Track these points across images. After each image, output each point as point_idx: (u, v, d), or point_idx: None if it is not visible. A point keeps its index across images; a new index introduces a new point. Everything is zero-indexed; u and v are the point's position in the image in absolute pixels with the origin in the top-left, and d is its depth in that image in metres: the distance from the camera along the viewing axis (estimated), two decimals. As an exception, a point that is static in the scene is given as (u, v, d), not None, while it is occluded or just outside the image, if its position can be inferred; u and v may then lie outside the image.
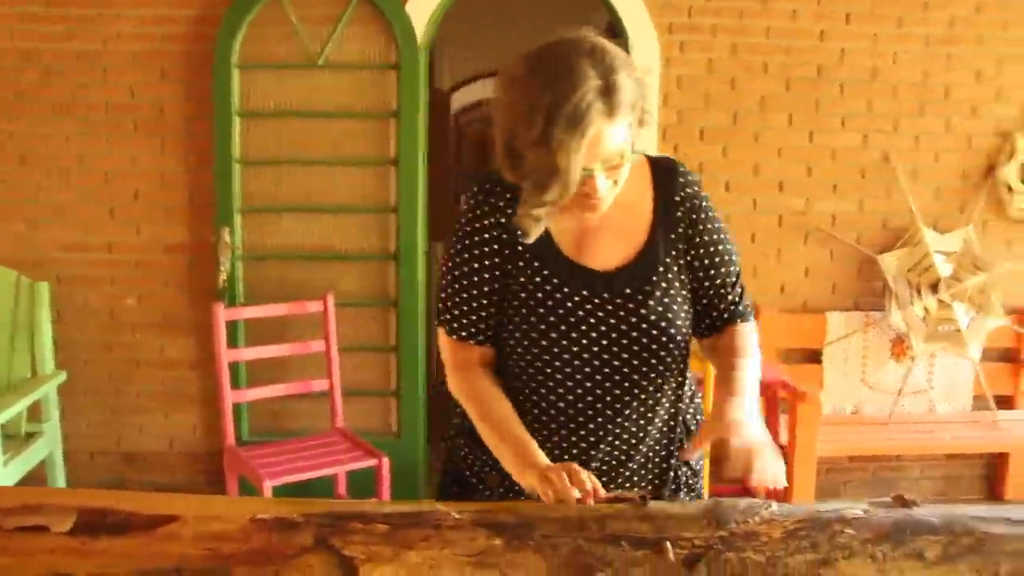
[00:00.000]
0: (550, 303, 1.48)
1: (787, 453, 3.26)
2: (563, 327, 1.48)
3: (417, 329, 3.70)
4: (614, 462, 1.56)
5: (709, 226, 1.54)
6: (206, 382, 3.68)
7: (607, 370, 1.50)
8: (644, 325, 1.48)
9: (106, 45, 3.58)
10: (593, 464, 1.54)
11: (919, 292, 3.61)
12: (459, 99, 8.33)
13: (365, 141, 3.64)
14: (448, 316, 1.55)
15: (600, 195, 1.38)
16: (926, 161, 3.73)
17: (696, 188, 1.55)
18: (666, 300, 1.50)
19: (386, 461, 3.21)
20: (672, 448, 1.60)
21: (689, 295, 1.54)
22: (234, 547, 1.16)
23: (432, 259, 4.36)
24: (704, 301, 1.57)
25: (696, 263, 1.54)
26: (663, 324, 1.49)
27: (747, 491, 1.80)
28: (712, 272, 1.55)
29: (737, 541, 1.19)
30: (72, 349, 3.67)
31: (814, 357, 3.75)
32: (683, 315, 1.52)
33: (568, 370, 1.50)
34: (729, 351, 1.55)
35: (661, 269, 1.50)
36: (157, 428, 3.79)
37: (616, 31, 3.64)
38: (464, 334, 1.54)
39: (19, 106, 3.60)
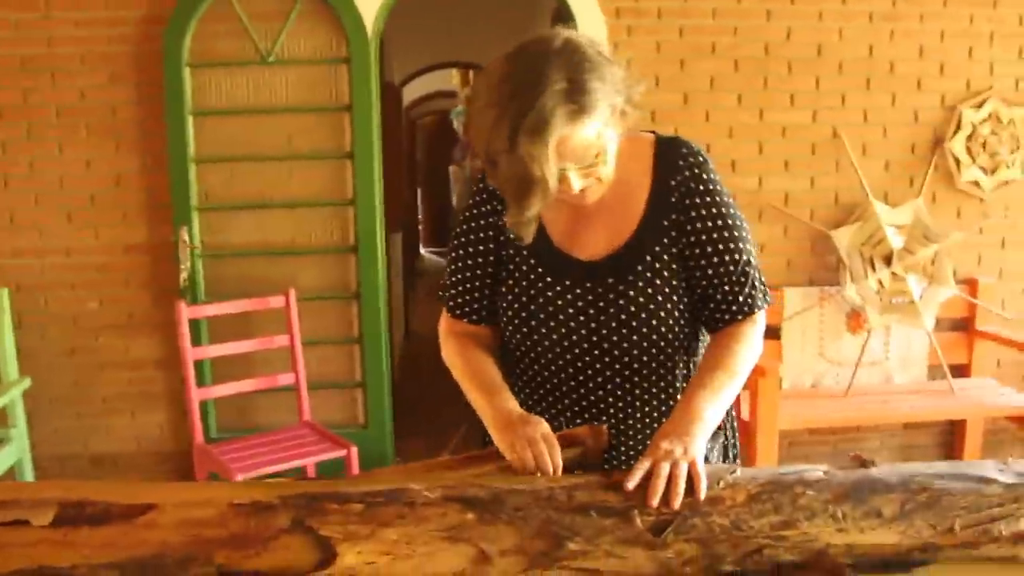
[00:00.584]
0: (532, 292, 1.51)
1: (749, 427, 3.36)
2: (543, 316, 1.52)
3: (380, 320, 3.74)
4: (621, 447, 1.58)
5: (704, 212, 1.48)
6: (172, 381, 3.70)
7: (589, 359, 1.52)
8: (623, 316, 1.48)
9: (51, 48, 3.56)
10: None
11: (872, 265, 3.71)
12: (410, 92, 8.33)
13: (319, 135, 3.68)
14: (447, 295, 1.62)
15: (577, 193, 1.39)
16: (875, 136, 3.83)
17: (696, 171, 1.49)
18: (650, 291, 1.48)
19: (354, 451, 3.25)
20: None
21: (683, 283, 1.50)
22: (214, 532, 1.20)
23: (391, 250, 4.39)
24: (699, 291, 1.50)
25: (688, 252, 1.49)
26: (644, 316, 1.48)
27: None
28: (704, 262, 1.49)
29: (703, 506, 1.25)
30: (35, 355, 3.68)
31: (772, 332, 3.83)
32: (674, 305, 1.49)
33: (560, 362, 1.54)
34: (705, 360, 1.49)
35: (648, 258, 1.48)
36: (125, 429, 3.81)
37: (564, 16, 3.69)
38: (459, 312, 1.61)
39: (-33, 112, 3.57)
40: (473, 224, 1.57)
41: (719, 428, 1.64)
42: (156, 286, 3.70)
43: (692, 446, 1.31)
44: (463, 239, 1.58)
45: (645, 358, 1.51)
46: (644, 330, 1.49)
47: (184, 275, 3.59)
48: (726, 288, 1.49)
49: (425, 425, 4.45)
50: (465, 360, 1.57)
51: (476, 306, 1.59)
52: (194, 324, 3.50)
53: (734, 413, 1.74)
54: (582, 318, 1.50)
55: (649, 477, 1.26)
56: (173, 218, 3.61)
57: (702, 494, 1.25)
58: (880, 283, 3.72)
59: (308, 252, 3.74)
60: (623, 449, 1.57)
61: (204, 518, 1.22)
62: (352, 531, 1.20)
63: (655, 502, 1.23)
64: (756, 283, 1.52)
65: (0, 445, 3.37)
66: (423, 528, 1.20)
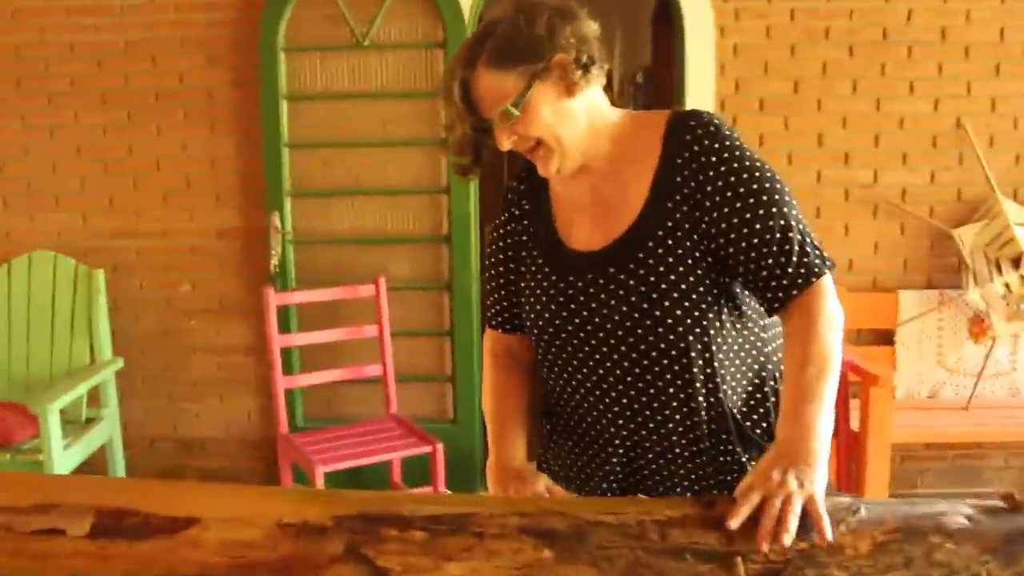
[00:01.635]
0: (539, 291, 1.43)
1: (859, 439, 3.09)
2: (549, 314, 1.41)
3: (471, 312, 3.59)
4: (644, 458, 1.42)
5: (720, 184, 1.31)
6: (261, 368, 3.63)
7: (599, 356, 1.38)
8: (625, 308, 1.34)
9: (153, 32, 3.53)
10: (616, 458, 1.43)
11: (999, 268, 3.38)
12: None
13: (414, 121, 3.53)
14: (490, 311, 1.59)
15: (505, 148, 1.36)
16: (1004, 126, 3.48)
17: (707, 142, 1.32)
18: (653, 279, 1.32)
19: (440, 447, 3.11)
20: (731, 443, 1.39)
21: (707, 268, 1.32)
22: (260, 555, 1.06)
23: (484, 241, 4.24)
24: (742, 271, 1.32)
25: (713, 230, 1.31)
26: (646, 306, 1.32)
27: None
28: (734, 237, 1.30)
29: (819, 555, 1.05)
30: (128, 336, 3.66)
31: (886, 338, 3.55)
32: (684, 295, 1.32)
33: (575, 361, 1.41)
34: (790, 357, 1.29)
35: (652, 244, 1.33)
36: (213, 414, 3.75)
37: (667, 1, 3.48)
38: (494, 323, 1.58)
39: (71, 98, 3.59)
40: (501, 231, 1.54)
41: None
42: (247, 271, 3.63)
43: (811, 476, 1.11)
44: (493, 247, 1.55)
45: (654, 353, 1.34)
46: (648, 322, 1.33)
47: (274, 261, 3.50)
48: (770, 261, 1.30)
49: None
50: (490, 388, 1.55)
51: (507, 314, 1.56)
52: (282, 311, 3.43)
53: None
54: (585, 313, 1.38)
55: (758, 513, 1.06)
56: (265, 203, 3.54)
57: (825, 537, 1.04)
58: (1007, 287, 3.38)
59: (400, 241, 3.61)
60: (644, 452, 1.41)
61: (250, 539, 1.07)
62: (412, 563, 1.04)
63: (766, 546, 1.03)
64: (808, 248, 1.32)
65: (92, 424, 3.36)
66: (492, 565, 1.04)
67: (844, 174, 3.53)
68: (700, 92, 3.44)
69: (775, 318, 1.38)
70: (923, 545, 1.05)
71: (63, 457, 3.05)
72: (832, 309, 1.30)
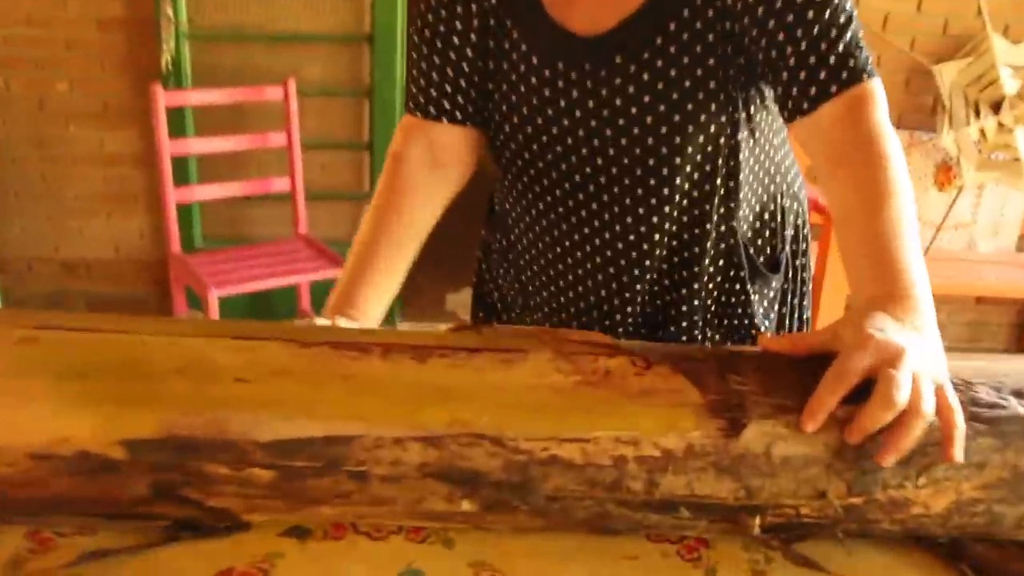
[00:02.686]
0: (523, 89, 1.03)
1: (816, 286, 2.79)
2: (529, 120, 1.04)
3: (394, 123, 3.10)
4: (632, 304, 1.09)
5: None
6: (153, 181, 3.11)
7: (593, 186, 1.04)
8: (634, 109, 0.99)
9: None
10: (596, 311, 1.10)
11: (977, 112, 3.02)
12: None
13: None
14: (412, 89, 1.12)
15: None
16: (1002, -48, 3.05)
17: None
18: (674, 73, 0.97)
19: (354, 276, 2.72)
20: (740, 279, 1.09)
21: (732, 57, 0.97)
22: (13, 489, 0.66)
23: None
24: (771, 65, 0.95)
25: (742, 10, 0.95)
26: (664, 108, 0.97)
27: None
28: (769, 20, 0.94)
29: (871, 511, 0.69)
30: (-1, 144, 3.10)
31: (847, 179, 3.21)
32: (718, 90, 0.98)
33: (557, 191, 1.07)
34: (848, 182, 0.88)
35: (673, 27, 0.97)
36: (99, 233, 3.26)
37: None
38: (422, 100, 1.10)
39: None
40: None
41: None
42: (134, 69, 3.04)
43: (933, 347, 0.72)
44: (439, 14, 1.08)
45: (666, 171, 1.01)
46: (664, 129, 0.98)
47: (166, 58, 2.94)
48: (813, 40, 0.91)
49: (442, 266, 3.88)
50: (376, 208, 1.09)
51: (447, 100, 1.09)
52: (176, 115, 2.92)
53: (810, 257, 1.21)
54: (579, 114, 1.01)
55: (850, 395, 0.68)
56: (155, -13, 2.94)
57: (957, 450, 0.66)
58: (982, 133, 3.04)
59: (314, 39, 3.07)
60: (632, 299, 1.09)
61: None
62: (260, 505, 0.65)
63: (891, 459, 0.66)
64: (860, 43, 0.93)
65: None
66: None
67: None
68: None
69: (783, 125, 1.05)
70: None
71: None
72: (889, 124, 0.91)
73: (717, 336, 1.11)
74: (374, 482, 0.69)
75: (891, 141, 0.89)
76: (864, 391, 0.67)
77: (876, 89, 0.92)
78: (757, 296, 1.11)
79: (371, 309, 1.02)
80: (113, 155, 3.17)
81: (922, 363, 0.68)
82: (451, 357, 0.72)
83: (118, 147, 3.16)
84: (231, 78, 3.01)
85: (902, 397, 0.64)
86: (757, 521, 0.71)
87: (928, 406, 0.65)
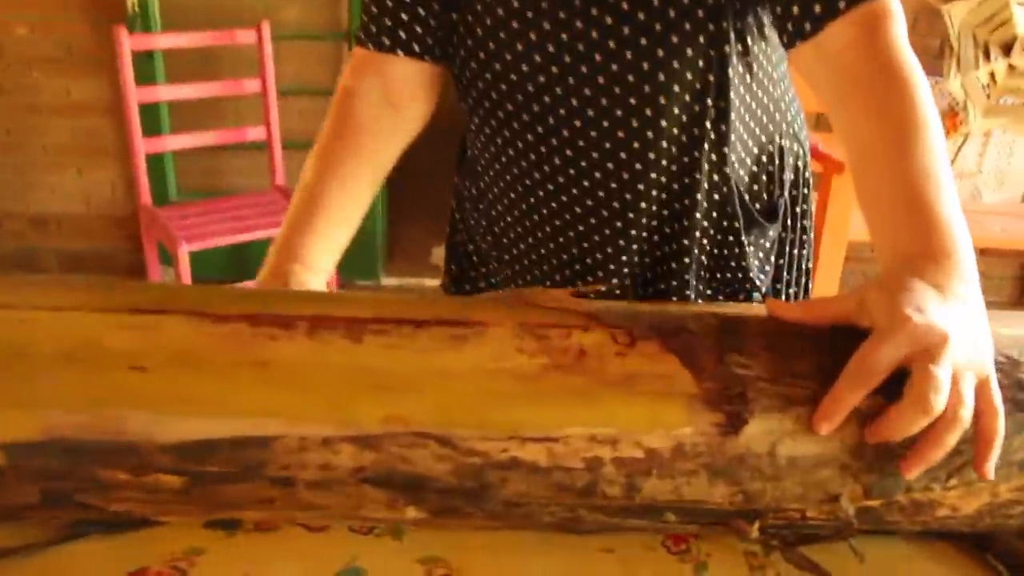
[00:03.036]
0: (489, 18, 0.90)
1: (816, 236, 2.68)
2: (504, 48, 0.90)
3: (375, 74, 2.96)
4: (618, 261, 0.97)
5: None
6: (125, 131, 2.96)
7: (565, 111, 0.90)
8: (612, 43, 0.85)
9: None
10: (575, 266, 0.98)
11: (987, 54, 2.87)
12: None
13: None
14: (364, 18, 0.97)
15: None
16: None
17: None
18: (655, 2, 0.84)
19: (333, 231, 2.59)
20: (730, 243, 0.98)
21: None
22: None
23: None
24: None
25: None
26: (644, 41, 0.85)
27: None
28: None
29: (890, 514, 0.58)
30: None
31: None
32: (696, 23, 0.85)
33: (530, 135, 0.93)
34: (866, 123, 0.74)
35: None
36: (70, 187, 3.11)
37: None
38: (374, 29, 0.95)
39: None
40: None
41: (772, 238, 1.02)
42: (98, 11, 2.86)
43: (975, 321, 0.59)
44: None
45: (649, 113, 0.88)
46: (646, 66, 0.86)
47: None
48: None
49: (424, 204, 3.74)
50: (323, 146, 0.95)
51: (393, 22, 0.94)
52: (145, 60, 2.76)
53: (811, 203, 1.07)
54: (551, 49, 0.87)
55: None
56: (119, -78, 2.75)
57: (990, 467, 0.56)
58: (992, 77, 2.89)
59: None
60: (616, 252, 0.97)
61: None
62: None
63: (916, 471, 0.56)
64: None
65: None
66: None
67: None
68: None
69: (783, 55, 0.93)
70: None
71: None
72: (909, 47, 0.77)
73: (708, 291, 1.00)
74: (301, 488, 0.57)
75: (914, 65, 0.76)
76: (890, 379, 0.55)
77: (892, 4, 0.78)
78: (753, 248, 0.99)
79: (319, 262, 0.89)
80: (80, 104, 3.01)
81: (966, 353, 0.56)
82: (390, 334, 0.59)
83: (85, 95, 2.99)
84: (202, 21, 2.84)
85: (940, 402, 0.53)
86: (756, 526, 0.59)
87: (967, 412, 0.54)
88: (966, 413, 0.54)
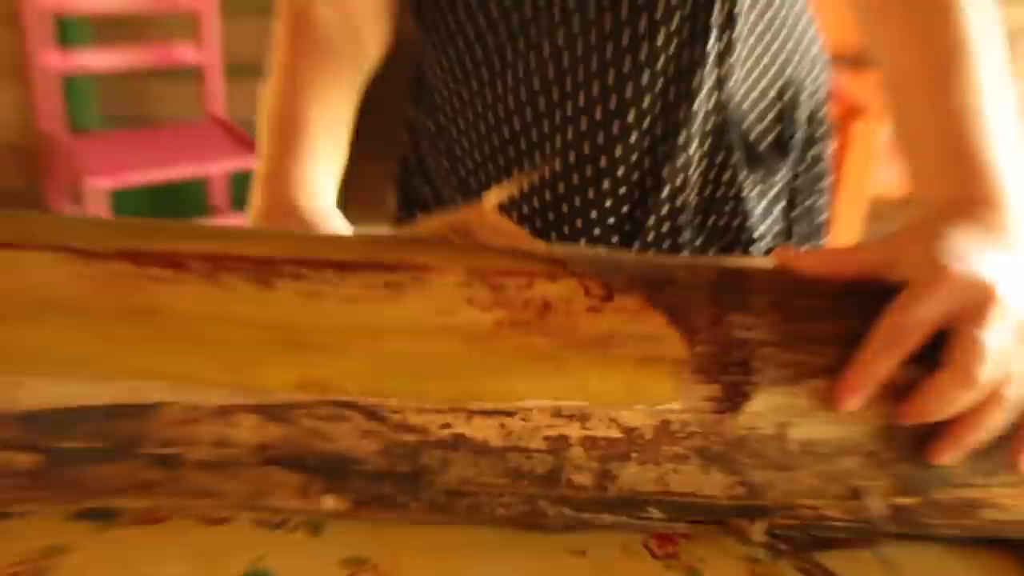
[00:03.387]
0: None
1: (833, 191, 2.66)
2: None
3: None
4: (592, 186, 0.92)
5: None
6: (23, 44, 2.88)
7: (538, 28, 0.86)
8: None
9: None
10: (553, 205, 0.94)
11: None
12: None
13: None
14: None
15: None
16: None
17: None
18: None
19: (275, 163, 2.53)
20: (725, 182, 0.95)
21: None
22: None
23: None
24: None
25: None
26: None
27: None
28: None
29: (926, 514, 0.54)
30: None
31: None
32: None
33: (489, 39, 0.90)
34: (909, 32, 0.70)
35: None
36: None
37: None
38: None
39: None
40: None
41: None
42: None
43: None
44: None
45: (643, 27, 0.84)
46: None
47: None
48: None
49: (383, 157, 3.69)
50: (288, 71, 0.89)
51: None
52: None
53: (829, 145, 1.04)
54: None
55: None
56: None
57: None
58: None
59: None
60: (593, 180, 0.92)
61: None
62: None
63: (948, 456, 0.53)
64: None
65: None
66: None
67: None
68: None
69: None
70: None
71: None
72: None
73: (699, 241, 0.96)
74: (189, 470, 0.52)
75: None
76: (930, 344, 0.51)
77: None
78: (757, 192, 0.95)
79: (326, 193, 0.83)
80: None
81: (1017, 313, 0.51)
82: (308, 279, 0.53)
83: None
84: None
85: (985, 373, 0.49)
86: (760, 526, 0.55)
87: (1017, 388, 0.50)
88: (1013, 390, 0.51)
